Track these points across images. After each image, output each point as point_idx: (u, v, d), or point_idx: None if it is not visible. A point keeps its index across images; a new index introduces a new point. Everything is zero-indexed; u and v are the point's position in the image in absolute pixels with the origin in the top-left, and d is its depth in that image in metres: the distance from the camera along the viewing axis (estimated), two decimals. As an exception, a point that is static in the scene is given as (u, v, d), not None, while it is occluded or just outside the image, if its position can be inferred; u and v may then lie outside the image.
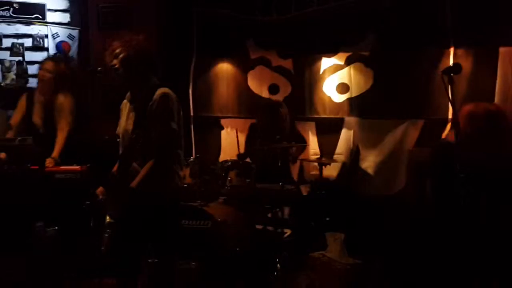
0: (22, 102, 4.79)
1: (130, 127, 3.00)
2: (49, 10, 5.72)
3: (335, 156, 5.33)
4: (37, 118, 4.68)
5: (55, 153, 4.57)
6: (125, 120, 3.09)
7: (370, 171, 5.20)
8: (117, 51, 2.96)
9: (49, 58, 4.92)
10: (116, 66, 2.95)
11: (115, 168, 3.04)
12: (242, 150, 5.22)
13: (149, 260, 2.77)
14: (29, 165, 4.36)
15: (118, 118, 3.21)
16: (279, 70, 5.66)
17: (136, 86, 3.05)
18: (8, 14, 5.57)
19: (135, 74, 2.98)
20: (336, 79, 5.40)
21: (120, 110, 3.20)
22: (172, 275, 2.84)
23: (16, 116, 4.78)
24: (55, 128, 4.64)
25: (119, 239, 2.86)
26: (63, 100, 4.68)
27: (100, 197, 3.06)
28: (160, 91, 2.96)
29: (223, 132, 5.92)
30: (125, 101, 3.18)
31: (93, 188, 3.18)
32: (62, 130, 4.64)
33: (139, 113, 2.97)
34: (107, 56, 3.00)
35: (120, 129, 3.14)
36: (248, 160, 5.05)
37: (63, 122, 4.65)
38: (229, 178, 4.53)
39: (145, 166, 2.91)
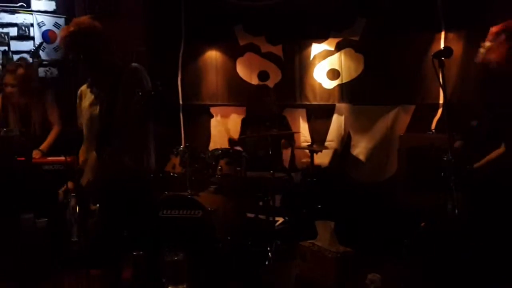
0: None
1: (96, 112, 2.96)
2: (34, -2, 5.63)
3: (326, 143, 5.31)
4: (13, 120, 4.62)
5: (44, 146, 4.56)
6: (88, 106, 3.02)
7: (361, 157, 5.18)
8: (68, 36, 2.88)
9: (5, 70, 4.76)
10: (74, 51, 2.88)
11: (81, 158, 3.02)
12: (233, 136, 5.21)
13: (134, 253, 2.73)
14: (15, 156, 4.31)
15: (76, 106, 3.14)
16: (269, 56, 5.60)
17: (99, 69, 2.98)
18: (-8, 3, 5.47)
19: (93, 56, 2.90)
20: (326, 65, 5.35)
21: (79, 97, 3.12)
22: (158, 267, 2.80)
23: None
24: (33, 125, 4.61)
25: (105, 224, 2.83)
26: (46, 102, 4.65)
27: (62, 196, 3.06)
28: (130, 66, 2.94)
29: (212, 120, 5.87)
30: (83, 87, 3.10)
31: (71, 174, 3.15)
32: (55, 126, 4.65)
33: (111, 94, 2.90)
34: (62, 47, 2.95)
35: (83, 117, 3.06)
36: (239, 148, 5.01)
37: (53, 120, 4.65)
38: (219, 167, 4.49)
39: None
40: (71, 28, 2.88)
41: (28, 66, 4.86)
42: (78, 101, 3.11)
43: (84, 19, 2.96)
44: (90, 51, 2.86)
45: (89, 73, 3.05)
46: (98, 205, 2.94)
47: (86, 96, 3.07)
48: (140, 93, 2.66)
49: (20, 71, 4.60)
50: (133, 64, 2.96)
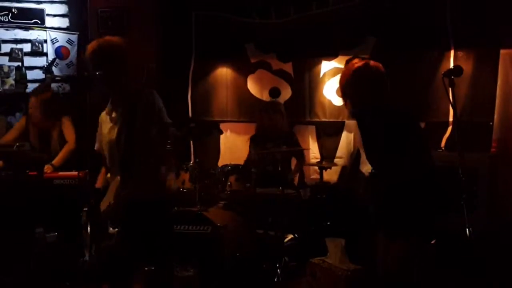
0: (22, 124, 4.85)
1: (114, 136, 2.97)
2: (48, 15, 5.72)
3: (335, 160, 5.31)
4: (34, 141, 4.76)
5: (56, 161, 4.61)
6: (108, 132, 3.04)
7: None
8: (90, 52, 2.95)
9: (31, 93, 4.97)
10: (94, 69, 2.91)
11: (99, 184, 3.04)
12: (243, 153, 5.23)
13: (146, 268, 2.74)
14: (27, 171, 4.36)
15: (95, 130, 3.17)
16: (280, 73, 5.64)
17: (118, 91, 3.01)
18: (7, 19, 5.56)
19: (116, 75, 2.94)
20: (336, 82, 5.37)
21: (99, 124, 3.14)
22: (169, 283, 2.81)
23: (11, 134, 4.83)
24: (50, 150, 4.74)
25: (122, 247, 2.83)
26: (63, 125, 4.79)
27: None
28: (146, 90, 2.98)
29: (222, 136, 5.90)
30: (102, 114, 3.12)
31: (91, 194, 3.15)
32: (69, 144, 4.73)
33: (129, 118, 2.93)
34: (88, 58, 2.99)
35: (103, 142, 3.07)
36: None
37: (69, 138, 4.75)
38: (229, 183, 4.51)
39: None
40: (101, 42, 2.93)
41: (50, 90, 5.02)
42: (98, 128, 3.13)
43: (117, 38, 3.01)
44: (114, 70, 2.90)
45: (109, 96, 3.07)
46: (116, 229, 2.93)
47: (105, 122, 3.08)
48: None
49: (45, 95, 4.79)
50: (150, 89, 3.01)
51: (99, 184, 3.11)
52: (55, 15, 5.78)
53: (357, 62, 3.06)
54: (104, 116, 3.11)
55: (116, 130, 2.99)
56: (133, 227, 2.87)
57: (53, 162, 4.59)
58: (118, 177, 2.96)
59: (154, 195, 2.94)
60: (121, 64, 2.95)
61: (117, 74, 2.94)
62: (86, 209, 3.09)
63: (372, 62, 3.07)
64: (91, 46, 2.96)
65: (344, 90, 3.11)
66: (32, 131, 4.79)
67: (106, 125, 3.07)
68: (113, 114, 3.05)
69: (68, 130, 4.77)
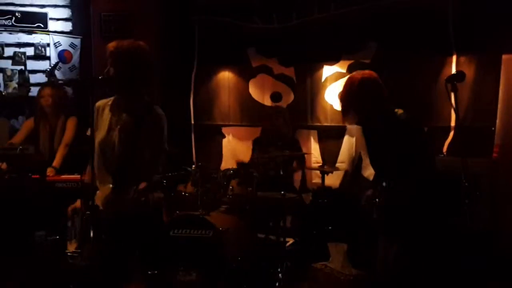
0: (29, 124, 4.84)
1: (116, 139, 2.88)
2: (51, 19, 5.75)
3: (337, 164, 5.31)
4: (44, 147, 4.77)
5: (56, 162, 4.62)
6: (107, 130, 2.92)
7: (372, 179, 5.16)
8: (111, 51, 2.85)
9: (45, 84, 5.09)
10: (109, 67, 2.85)
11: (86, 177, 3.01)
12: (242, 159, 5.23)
13: (149, 272, 2.73)
14: (30, 174, 4.37)
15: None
16: (281, 78, 5.65)
17: (127, 96, 2.93)
18: (10, 23, 5.59)
19: (126, 81, 2.85)
20: (338, 87, 5.37)
21: (96, 111, 2.96)
22: (171, 286, 2.80)
23: (19, 137, 4.82)
24: (56, 144, 4.77)
25: (108, 253, 2.81)
26: (67, 122, 4.82)
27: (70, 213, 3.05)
28: (155, 111, 2.92)
29: (224, 140, 5.91)
30: (101, 103, 2.99)
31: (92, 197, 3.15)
32: (64, 142, 4.71)
33: (130, 130, 2.86)
34: (112, 51, 2.87)
35: (99, 137, 2.92)
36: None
37: (66, 136, 4.77)
38: (230, 187, 4.51)
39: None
40: (133, 44, 2.86)
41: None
42: (95, 115, 2.96)
43: (146, 46, 2.94)
44: (139, 75, 2.85)
45: (117, 94, 2.97)
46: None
47: (103, 114, 2.96)
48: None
49: (60, 89, 4.92)
50: (158, 110, 2.95)
51: (87, 178, 3.06)
52: (58, 19, 5.81)
53: (355, 76, 3.10)
54: (102, 106, 2.98)
55: (115, 134, 2.90)
56: (121, 236, 2.84)
57: (54, 164, 4.59)
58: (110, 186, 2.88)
59: (140, 209, 2.88)
60: (146, 71, 2.89)
61: (139, 80, 2.88)
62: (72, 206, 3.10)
63: (367, 73, 3.11)
64: (119, 44, 2.85)
65: (346, 103, 3.14)
66: (42, 131, 4.79)
67: (104, 118, 2.95)
68: (115, 116, 2.94)
69: (69, 127, 4.78)
